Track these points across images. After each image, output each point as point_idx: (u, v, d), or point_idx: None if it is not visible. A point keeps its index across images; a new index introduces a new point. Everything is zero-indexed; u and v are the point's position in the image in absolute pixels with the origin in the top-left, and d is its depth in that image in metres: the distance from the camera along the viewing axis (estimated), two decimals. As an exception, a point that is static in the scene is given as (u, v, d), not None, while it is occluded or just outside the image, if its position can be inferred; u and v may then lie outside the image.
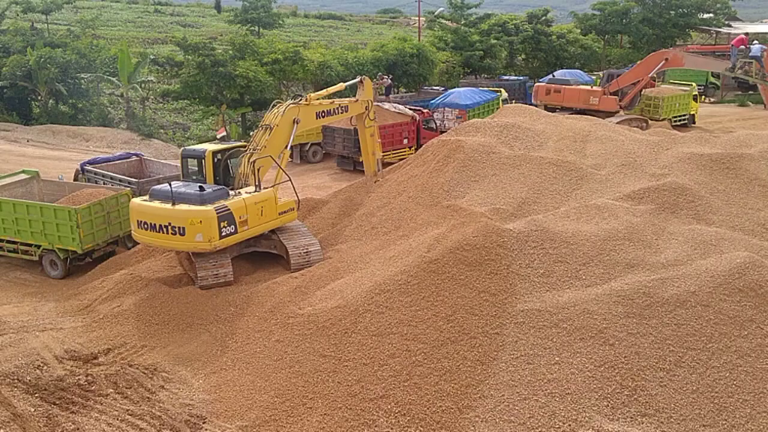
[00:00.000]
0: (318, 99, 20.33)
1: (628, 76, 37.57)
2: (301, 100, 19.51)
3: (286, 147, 18.93)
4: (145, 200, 17.24)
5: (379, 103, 33.91)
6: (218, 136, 21.83)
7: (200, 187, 17.08)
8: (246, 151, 18.42)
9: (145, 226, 16.85)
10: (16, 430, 12.32)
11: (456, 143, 20.82)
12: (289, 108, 18.94)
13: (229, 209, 16.75)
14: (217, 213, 16.43)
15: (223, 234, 16.62)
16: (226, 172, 18.54)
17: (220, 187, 17.50)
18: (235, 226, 16.90)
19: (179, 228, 16.43)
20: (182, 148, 19.15)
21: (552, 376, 11.99)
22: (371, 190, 22.22)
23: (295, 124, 18.97)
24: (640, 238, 15.40)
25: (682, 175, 18.60)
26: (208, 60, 42.80)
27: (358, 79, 22.74)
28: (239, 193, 17.58)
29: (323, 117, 20.45)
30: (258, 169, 18.08)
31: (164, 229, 16.57)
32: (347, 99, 22.17)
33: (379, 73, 38.26)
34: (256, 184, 17.89)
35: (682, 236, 15.56)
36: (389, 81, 34.98)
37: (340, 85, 22.50)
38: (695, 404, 11.42)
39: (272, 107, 19.23)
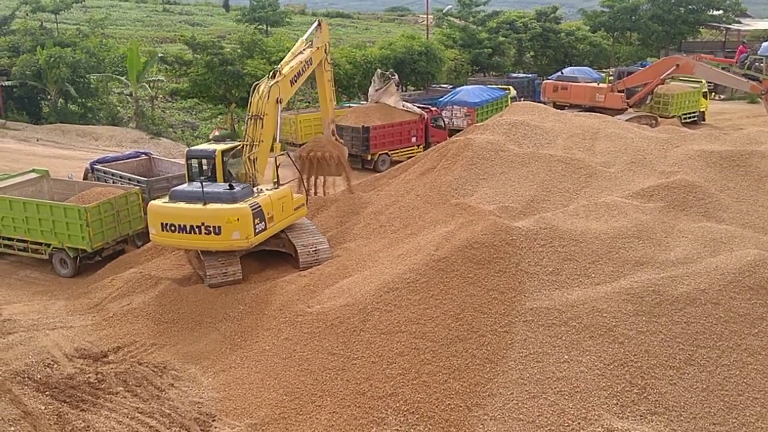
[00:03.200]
0: (288, 66, 19.79)
1: (638, 77, 37.53)
2: (277, 75, 19.01)
3: (276, 138, 18.81)
4: (166, 202, 17.10)
5: (386, 101, 33.89)
6: (211, 137, 21.51)
7: (229, 185, 17.15)
8: (243, 148, 18.25)
9: (172, 228, 16.72)
10: (26, 427, 12.39)
11: (464, 141, 20.80)
12: (272, 89, 18.53)
13: (260, 206, 16.94)
14: (252, 210, 16.61)
15: (257, 230, 16.82)
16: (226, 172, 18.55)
17: (245, 185, 17.57)
18: (265, 223, 17.10)
19: (215, 227, 16.48)
20: (187, 150, 18.82)
21: (561, 375, 11.96)
22: (380, 188, 22.22)
23: (279, 104, 18.76)
24: (650, 235, 15.34)
25: (692, 173, 18.50)
26: (217, 59, 42.91)
27: (315, 24, 21.84)
28: (261, 190, 17.74)
29: (296, 81, 19.97)
30: (278, 165, 18.29)
31: (196, 230, 16.55)
32: (307, 51, 21.09)
33: (390, 70, 38.34)
34: (276, 180, 18.07)
35: (692, 234, 15.49)
36: (397, 79, 34.98)
37: (300, 43, 21.42)
38: (705, 402, 11.38)
39: (253, 90, 18.72)
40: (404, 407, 12.02)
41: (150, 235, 17.55)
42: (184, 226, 16.62)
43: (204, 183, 17.20)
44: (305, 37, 21.52)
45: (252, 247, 17.12)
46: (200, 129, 46.33)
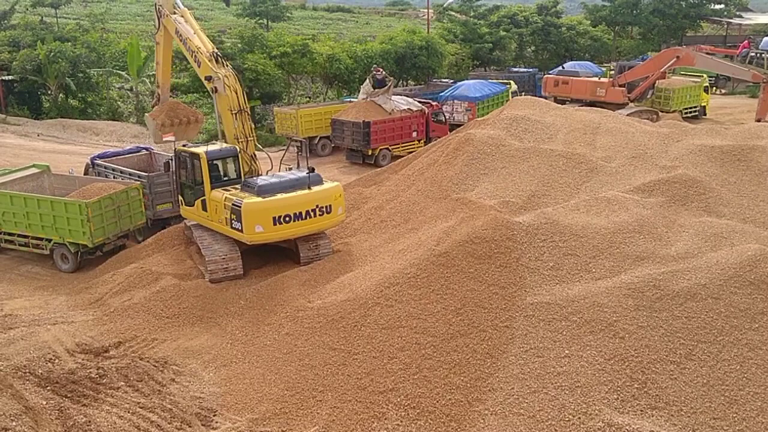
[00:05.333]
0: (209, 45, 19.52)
1: (638, 70, 37.48)
2: (220, 58, 18.79)
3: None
4: (267, 198, 16.95)
5: (373, 98, 33.77)
6: (165, 139, 21.08)
7: (311, 169, 17.93)
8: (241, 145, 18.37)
9: (287, 219, 17.02)
10: (28, 422, 12.40)
11: (465, 136, 20.79)
12: (234, 75, 18.64)
13: None
14: None
15: None
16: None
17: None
18: None
19: (326, 207, 17.65)
20: (205, 152, 17.99)
21: (562, 369, 11.97)
22: (380, 183, 22.21)
23: None
24: (651, 230, 15.34)
25: (693, 168, 18.50)
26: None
27: None
28: None
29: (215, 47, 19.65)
30: (306, 156, 19.00)
31: (311, 214, 17.37)
32: (183, 11, 20.58)
33: (374, 65, 38.20)
34: (303, 164, 18.61)
35: (693, 229, 15.48)
36: (383, 73, 34.86)
37: (188, 13, 20.74)
38: (706, 397, 11.38)
39: (218, 80, 18.32)
40: (405, 402, 12.04)
41: (250, 236, 17.03)
42: (300, 213, 17.15)
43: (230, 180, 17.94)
44: (181, 5, 20.83)
45: None
46: (202, 124, 46.35)
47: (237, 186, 17.96)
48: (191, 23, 20.11)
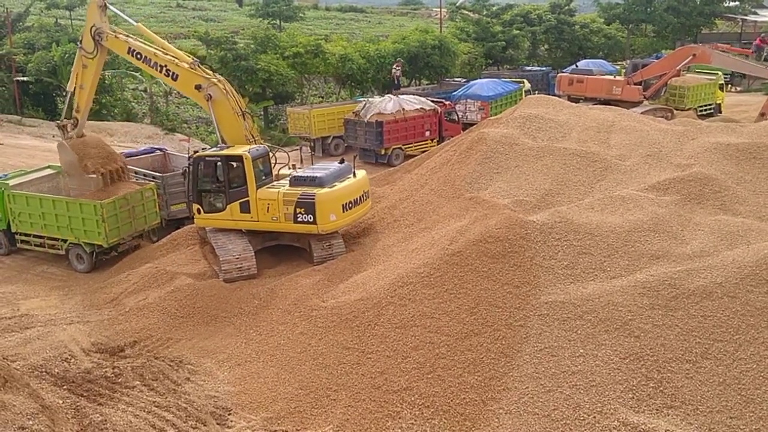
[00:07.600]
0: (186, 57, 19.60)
1: (654, 68, 37.20)
2: (200, 68, 18.81)
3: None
4: (332, 188, 17.55)
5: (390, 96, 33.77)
6: (188, 145, 20.81)
7: (341, 160, 19.20)
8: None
9: (350, 205, 17.90)
10: (44, 421, 12.47)
11: (478, 135, 20.73)
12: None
13: None
14: None
15: None
16: None
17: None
18: None
19: (366, 192, 18.87)
20: (248, 152, 17.83)
21: (576, 369, 11.93)
22: (393, 182, 22.20)
23: None
24: (666, 229, 15.23)
25: (708, 165, 18.35)
26: (230, 54, 42.98)
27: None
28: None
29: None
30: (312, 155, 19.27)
31: (362, 199, 18.51)
32: (138, 27, 20.91)
33: (398, 59, 37.92)
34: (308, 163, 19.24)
35: (708, 227, 15.36)
36: (400, 71, 34.79)
37: (140, 28, 21.03)
38: (722, 396, 11.30)
39: (212, 87, 18.48)
40: (419, 401, 12.03)
41: (325, 226, 17.40)
42: (356, 199, 18.17)
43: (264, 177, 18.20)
44: (133, 21, 21.04)
45: None
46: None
47: (272, 184, 18.18)
48: (154, 38, 20.06)
